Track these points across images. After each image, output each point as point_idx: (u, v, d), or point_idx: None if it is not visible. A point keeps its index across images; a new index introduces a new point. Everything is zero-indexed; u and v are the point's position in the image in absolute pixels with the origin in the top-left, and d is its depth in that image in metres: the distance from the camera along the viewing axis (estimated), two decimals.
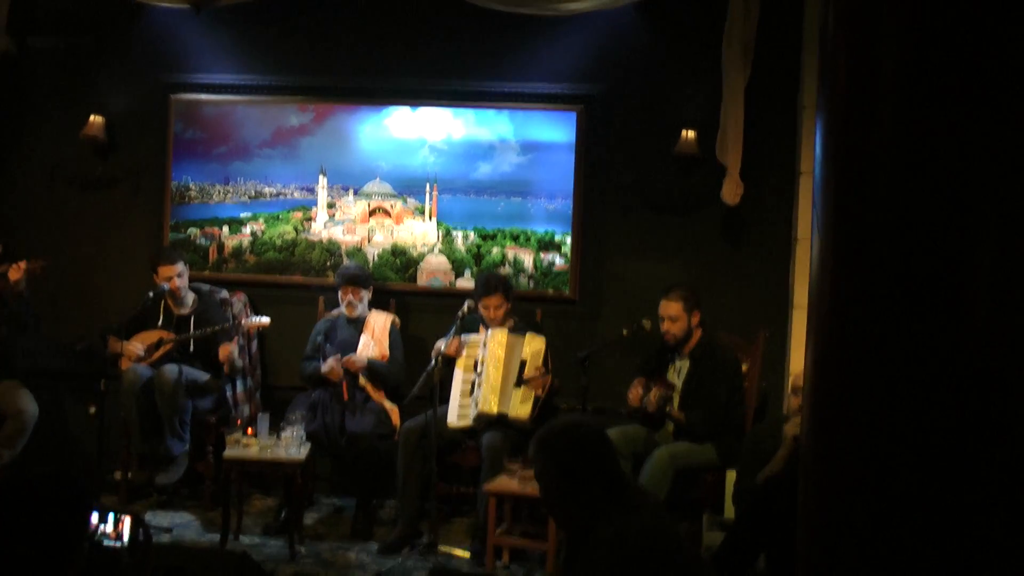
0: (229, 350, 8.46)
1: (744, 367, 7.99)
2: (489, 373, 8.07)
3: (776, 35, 8.42)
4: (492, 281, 8.36)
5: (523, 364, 8.07)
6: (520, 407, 7.94)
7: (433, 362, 7.85)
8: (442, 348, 8.10)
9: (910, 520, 2.98)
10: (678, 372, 7.89)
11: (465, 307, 8.19)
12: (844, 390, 3.10)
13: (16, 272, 8.37)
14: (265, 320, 8.65)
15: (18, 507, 3.17)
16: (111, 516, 6.89)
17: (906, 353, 2.97)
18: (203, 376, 8.53)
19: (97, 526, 6.81)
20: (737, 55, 8.21)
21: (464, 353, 8.30)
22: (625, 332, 7.90)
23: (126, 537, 6.58)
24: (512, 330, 8.27)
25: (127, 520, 6.63)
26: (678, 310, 7.78)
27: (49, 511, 3.18)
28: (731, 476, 7.34)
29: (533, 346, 8.13)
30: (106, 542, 6.64)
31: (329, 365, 8.40)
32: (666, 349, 7.93)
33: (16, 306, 8.50)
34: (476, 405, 8.05)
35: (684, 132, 8.58)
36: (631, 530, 3.98)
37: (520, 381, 8.01)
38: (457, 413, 8.13)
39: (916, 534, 2.97)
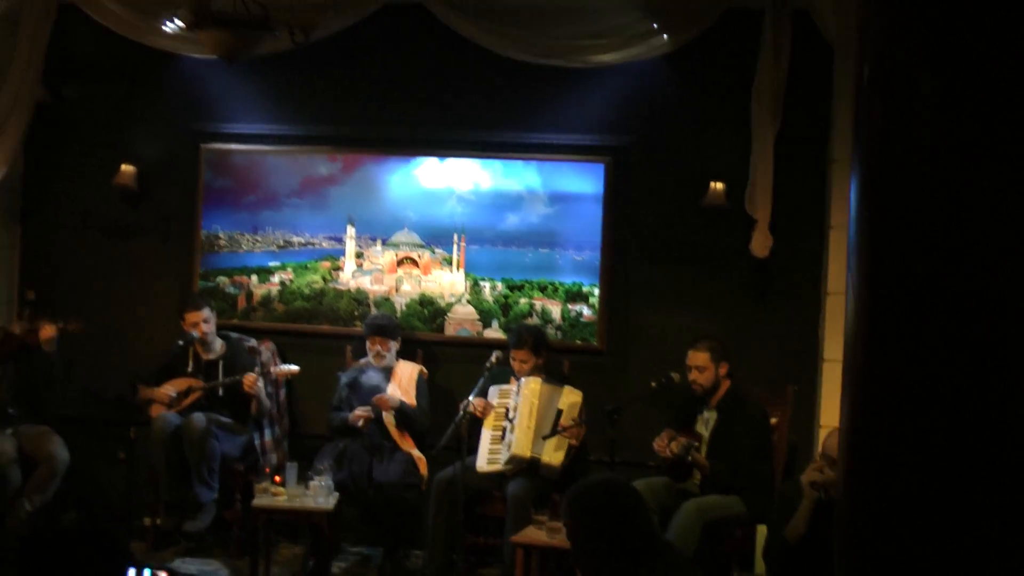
0: (255, 378, 8.46)
1: (773, 420, 7.99)
2: (522, 418, 8.11)
3: (806, 87, 8.44)
4: (522, 335, 8.43)
5: (559, 413, 8.10)
6: (554, 454, 7.96)
7: (461, 413, 7.86)
8: (471, 399, 8.09)
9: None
10: (706, 423, 7.90)
11: (493, 358, 8.20)
12: (881, 449, 3.09)
13: (49, 331, 8.48)
14: (294, 368, 8.68)
15: (56, 561, 3.19)
16: (147, 571, 6.90)
17: (945, 411, 2.95)
18: (231, 424, 8.55)
19: None
20: (767, 107, 8.22)
21: (494, 404, 8.32)
22: (653, 385, 7.88)
23: None
24: (547, 380, 8.30)
25: None
26: (705, 360, 7.82)
27: (87, 566, 3.19)
28: (761, 531, 7.31)
29: (571, 398, 8.18)
30: None
31: (356, 414, 8.42)
32: (694, 401, 7.94)
33: (41, 362, 8.56)
34: (508, 448, 8.07)
35: (713, 184, 8.60)
36: None
37: (555, 430, 8.01)
38: (487, 458, 8.17)
39: None
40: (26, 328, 8.64)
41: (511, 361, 8.34)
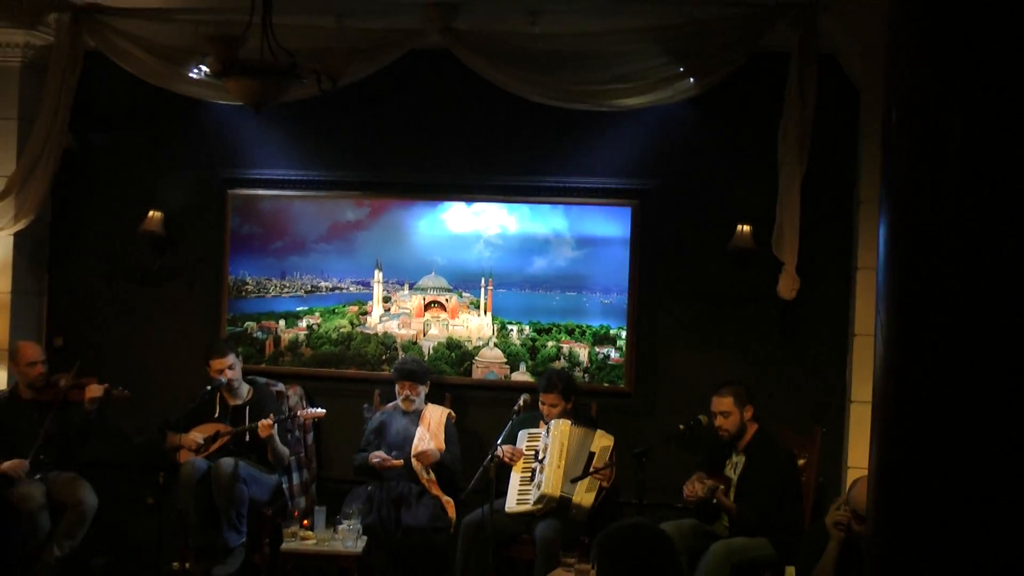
0: (270, 424, 8.46)
1: (801, 462, 7.97)
2: (552, 458, 8.11)
3: (833, 129, 8.47)
4: (552, 379, 8.46)
5: (592, 456, 8.09)
6: (584, 495, 7.97)
7: (489, 457, 7.85)
8: (499, 443, 8.09)
9: None
10: (735, 468, 7.90)
11: (521, 401, 8.23)
12: (912, 492, 3.07)
13: (95, 391, 8.55)
14: (320, 411, 8.71)
15: None
16: None
17: (975, 455, 2.93)
18: (259, 468, 8.56)
19: None
20: (793, 150, 8.22)
21: (524, 447, 8.33)
22: (682, 427, 7.86)
23: None
24: (576, 423, 8.30)
25: None
26: (729, 405, 7.83)
27: None
28: (790, 572, 7.27)
29: (603, 442, 8.19)
30: None
31: (376, 455, 8.43)
32: (722, 445, 7.93)
33: (79, 418, 8.61)
34: (538, 488, 8.06)
35: (740, 227, 8.60)
36: None
37: (587, 471, 8.00)
38: (516, 499, 8.17)
39: None
40: (71, 383, 8.69)
41: (540, 405, 8.35)
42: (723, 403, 7.86)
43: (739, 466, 7.87)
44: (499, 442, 8.08)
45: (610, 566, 4.14)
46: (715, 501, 7.61)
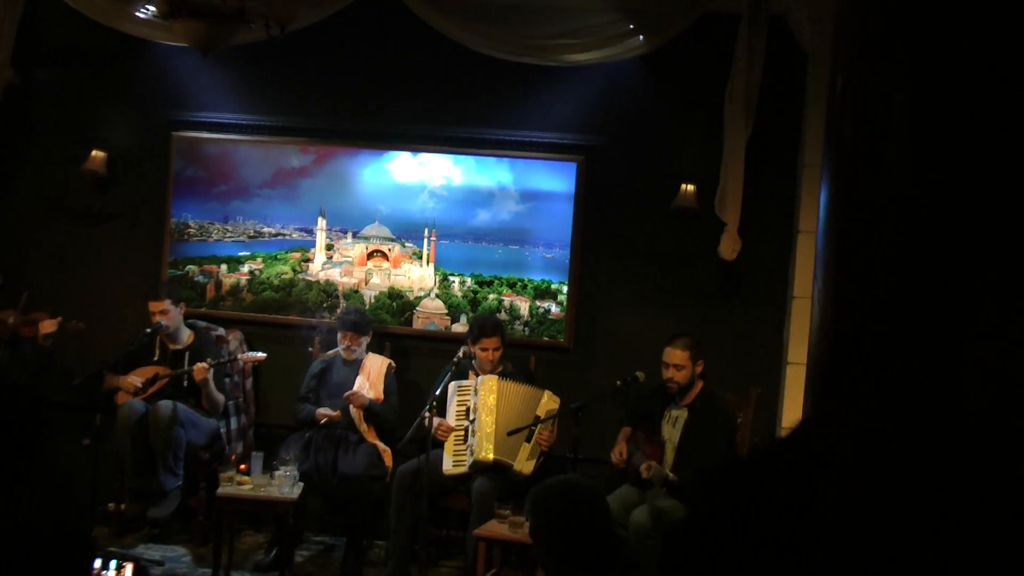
0: (204, 367, 8.45)
1: (738, 421, 8.02)
2: (483, 421, 8.10)
3: (778, 93, 8.50)
4: (490, 323, 8.43)
5: (537, 419, 8.06)
6: (526, 463, 7.96)
7: (426, 407, 7.86)
8: (427, 414, 8.02)
9: None
10: (673, 422, 7.89)
11: (461, 352, 8.21)
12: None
13: (48, 326, 8.49)
14: (261, 355, 8.69)
15: (16, 553, 3.17)
16: (113, 563, 6.90)
17: (906, 415, 2.98)
18: (197, 412, 8.54)
19: (99, 572, 6.81)
20: (739, 111, 8.28)
21: (455, 401, 8.33)
22: (619, 383, 7.90)
23: None
24: (502, 375, 8.31)
25: (129, 568, 6.62)
26: (684, 359, 7.80)
27: (50, 559, 3.17)
28: None
29: (550, 404, 8.13)
30: None
31: (322, 412, 8.44)
32: (662, 397, 7.92)
33: (35, 354, 8.58)
34: (471, 453, 8.07)
35: (683, 186, 8.64)
36: None
37: (530, 434, 8.01)
38: (452, 460, 8.16)
39: None
40: (21, 319, 8.63)
41: (479, 352, 8.33)
42: (677, 355, 7.81)
43: (679, 421, 7.84)
44: (435, 392, 8.06)
45: (543, 521, 4.18)
46: (669, 480, 7.58)
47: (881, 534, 1.20)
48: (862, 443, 1.32)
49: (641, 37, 8.41)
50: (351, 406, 8.43)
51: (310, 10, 8.35)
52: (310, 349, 9.01)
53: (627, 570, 4.14)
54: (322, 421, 8.41)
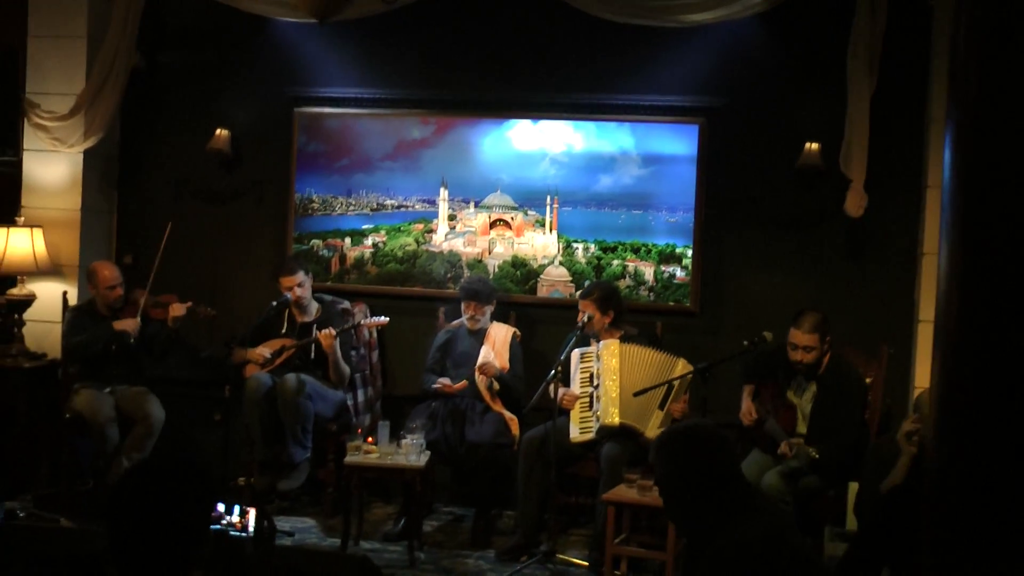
0: (332, 334, 8.55)
1: (867, 380, 7.87)
2: (607, 385, 8.04)
3: (903, 45, 8.32)
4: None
5: (671, 387, 7.93)
6: (657, 431, 7.71)
7: (552, 373, 7.83)
8: (551, 382, 7.99)
9: None
10: (801, 392, 7.74)
11: (586, 317, 8.15)
12: (972, 404, 3.04)
13: (178, 310, 8.65)
14: (383, 319, 8.77)
15: (146, 496, 3.22)
16: (236, 508, 6.98)
17: None
18: (325, 384, 8.60)
19: (223, 517, 6.90)
20: (863, 65, 8.11)
21: (579, 368, 8.28)
22: (746, 344, 7.75)
23: (251, 528, 6.64)
24: (623, 339, 8.25)
25: (252, 512, 6.69)
26: (813, 340, 7.56)
27: (175, 500, 3.22)
28: (853, 488, 7.20)
29: (684, 371, 7.95)
30: (232, 532, 6.70)
31: (442, 384, 8.47)
32: (788, 362, 7.78)
33: (161, 336, 8.74)
34: (598, 419, 8.02)
35: (808, 144, 8.50)
36: (752, 538, 3.91)
37: (664, 402, 7.91)
38: (579, 428, 8.11)
39: None
40: (152, 301, 8.77)
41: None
42: (806, 339, 7.56)
43: (808, 392, 7.69)
44: (558, 361, 8.01)
45: (668, 465, 4.13)
46: (811, 455, 7.43)
47: None
48: None
49: None
50: (480, 376, 8.44)
51: None
52: (436, 320, 9.04)
53: (756, 514, 4.04)
54: (436, 387, 8.44)
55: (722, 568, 3.89)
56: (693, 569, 4.15)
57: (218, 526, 6.85)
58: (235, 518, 7.03)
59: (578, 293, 8.57)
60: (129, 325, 8.68)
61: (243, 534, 6.67)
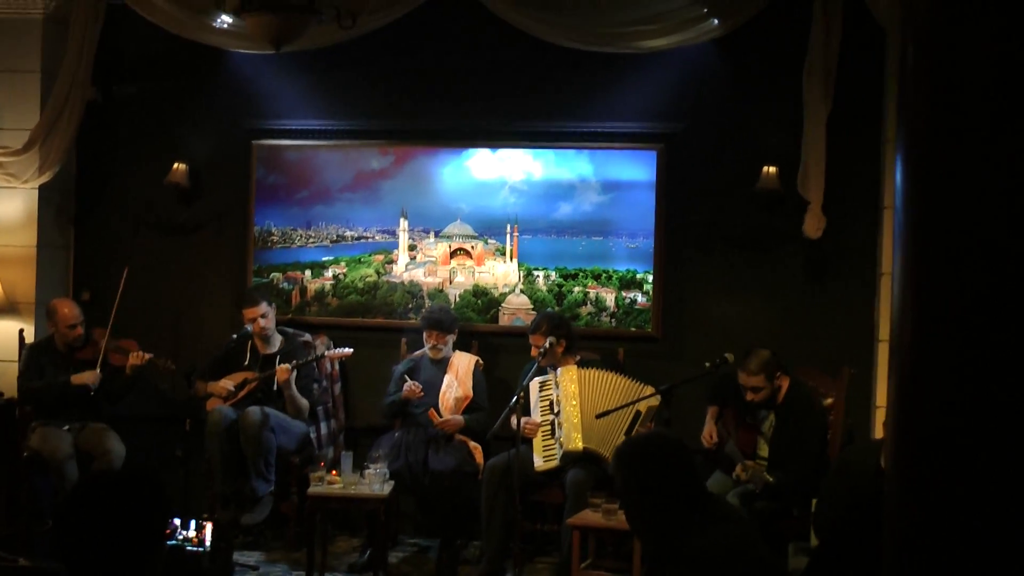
0: (287, 368, 8.49)
1: (828, 401, 7.89)
2: (568, 412, 8.04)
3: (857, 68, 8.38)
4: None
5: (638, 415, 7.91)
6: None
7: (513, 400, 7.79)
8: (521, 390, 7.96)
9: (998, 543, 2.93)
10: (762, 420, 7.76)
11: (547, 344, 8.12)
12: (928, 423, 3.05)
13: (137, 359, 8.58)
14: (348, 351, 8.70)
15: (99, 506, 3.18)
16: (193, 522, 6.92)
17: (988, 384, 2.91)
18: (287, 417, 8.55)
19: (179, 530, 6.84)
20: (818, 87, 8.17)
21: (538, 397, 8.26)
22: (708, 365, 7.75)
23: (207, 543, 6.59)
24: (580, 364, 8.26)
25: (209, 527, 6.64)
26: (761, 381, 7.58)
27: (128, 509, 3.18)
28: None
29: (651, 403, 7.91)
30: (188, 547, 6.65)
31: (408, 388, 8.43)
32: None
33: (116, 381, 8.68)
34: (561, 446, 8.00)
35: (766, 168, 8.53)
36: (715, 545, 3.92)
37: (631, 431, 7.87)
38: (543, 457, 8.09)
39: (1003, 556, 2.91)
40: (113, 345, 8.71)
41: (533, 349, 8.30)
42: (753, 380, 7.59)
43: (768, 421, 7.72)
44: (517, 391, 7.95)
45: (629, 474, 4.12)
46: (762, 485, 7.43)
47: None
48: None
49: (715, 20, 8.31)
50: (442, 407, 8.43)
51: (383, 10, 8.35)
52: (399, 350, 9.02)
53: (719, 522, 4.03)
54: (405, 390, 8.43)
55: (687, 574, 3.88)
56: None
57: (174, 541, 6.81)
58: (191, 533, 6.99)
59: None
60: (88, 378, 8.59)
61: (200, 549, 6.63)
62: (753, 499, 7.36)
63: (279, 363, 8.65)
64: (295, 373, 8.53)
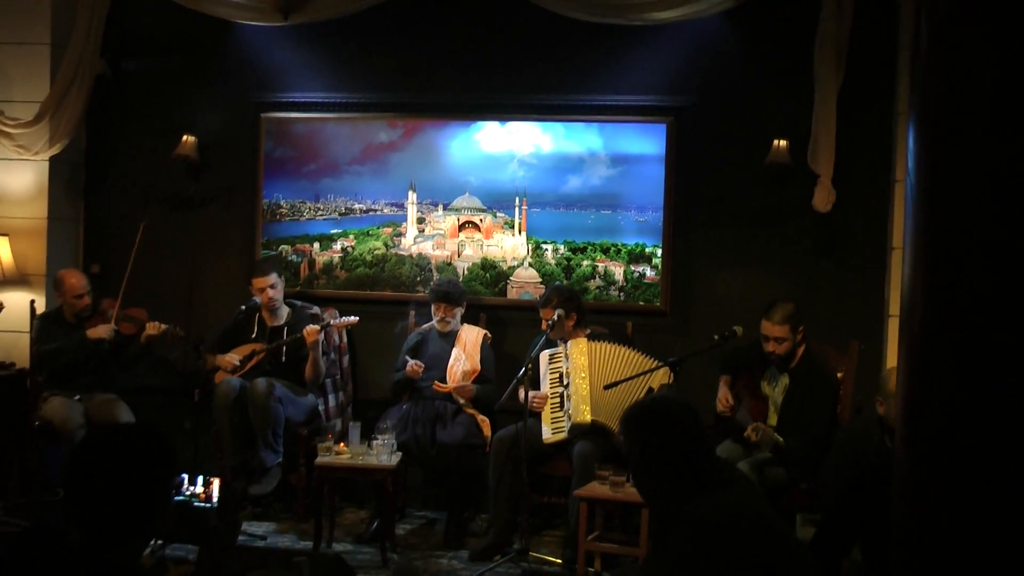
0: (317, 329, 8.50)
1: (839, 375, 7.87)
2: (577, 384, 8.03)
3: (870, 40, 8.33)
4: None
5: (650, 391, 7.86)
6: None
7: (521, 372, 7.78)
8: (529, 363, 7.94)
9: (1003, 517, 2.93)
10: (774, 384, 7.76)
11: (556, 316, 8.10)
12: (937, 396, 3.05)
13: (153, 329, 8.58)
14: (353, 319, 8.69)
15: (107, 462, 3.18)
16: (200, 479, 6.91)
17: (998, 360, 2.91)
18: (295, 388, 8.55)
19: (186, 487, 6.84)
20: (829, 60, 8.13)
21: (548, 369, 8.25)
22: (716, 338, 7.73)
23: (214, 499, 6.57)
24: (590, 337, 8.25)
25: (216, 483, 6.61)
26: (784, 331, 7.58)
27: (134, 463, 3.18)
28: None
29: (662, 379, 7.88)
30: (195, 503, 6.64)
31: (410, 367, 8.43)
32: (762, 355, 7.77)
33: (131, 351, 8.73)
34: (569, 418, 7.99)
35: (776, 142, 8.49)
36: (720, 508, 3.90)
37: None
38: (551, 428, 8.08)
39: (1009, 530, 2.92)
40: (122, 314, 8.72)
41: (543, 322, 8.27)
42: (777, 330, 7.59)
43: (780, 384, 7.72)
44: (526, 363, 7.93)
45: (635, 439, 4.11)
46: (771, 448, 7.44)
47: None
48: None
49: None
50: (450, 381, 8.43)
51: None
52: (404, 324, 9.01)
53: (729, 485, 4.02)
54: (408, 370, 8.42)
55: (690, 540, 3.87)
56: (663, 539, 4.13)
57: (181, 496, 6.82)
58: (199, 489, 6.99)
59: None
60: (103, 332, 8.63)
61: (207, 505, 6.62)
62: (763, 468, 7.35)
63: (286, 334, 8.66)
64: (323, 335, 8.55)
